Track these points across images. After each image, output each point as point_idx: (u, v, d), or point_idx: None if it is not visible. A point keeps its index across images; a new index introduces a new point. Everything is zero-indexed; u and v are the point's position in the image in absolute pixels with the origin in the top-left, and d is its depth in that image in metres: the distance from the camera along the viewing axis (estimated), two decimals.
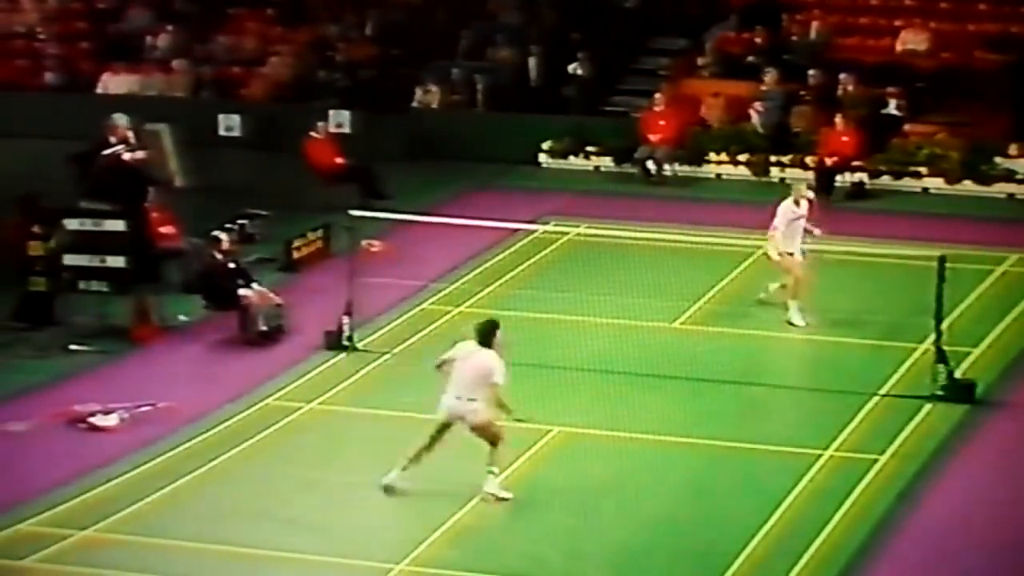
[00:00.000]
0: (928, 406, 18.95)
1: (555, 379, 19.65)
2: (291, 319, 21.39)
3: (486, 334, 16.29)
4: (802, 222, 21.75)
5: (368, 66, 32.43)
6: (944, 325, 19.51)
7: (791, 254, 21.56)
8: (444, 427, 16.43)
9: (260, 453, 17.83)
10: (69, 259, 21.15)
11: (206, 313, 21.66)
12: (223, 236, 21.92)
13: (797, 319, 21.51)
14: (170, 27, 33.90)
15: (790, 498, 16.59)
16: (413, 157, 29.89)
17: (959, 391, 19.14)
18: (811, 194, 22.34)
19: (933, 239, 23.26)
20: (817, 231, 21.95)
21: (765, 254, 21.91)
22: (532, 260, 24.23)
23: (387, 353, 20.65)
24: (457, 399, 16.28)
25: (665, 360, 20.25)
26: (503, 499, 16.39)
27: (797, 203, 21.86)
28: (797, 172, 29.05)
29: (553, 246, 24.71)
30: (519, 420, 16.40)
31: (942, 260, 19.33)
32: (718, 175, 29.79)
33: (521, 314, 21.88)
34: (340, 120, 29.29)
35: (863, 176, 28.64)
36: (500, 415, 16.28)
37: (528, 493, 16.83)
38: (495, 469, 16.42)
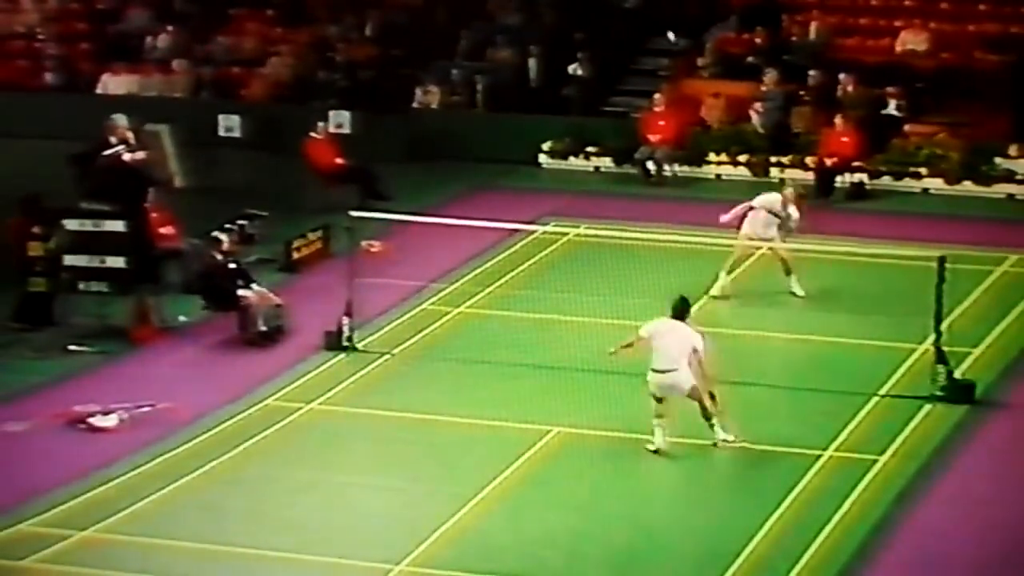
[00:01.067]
0: (928, 406, 18.96)
1: (555, 379, 19.65)
2: (291, 320, 21.39)
3: (682, 309, 17.71)
4: (775, 222, 22.41)
5: (368, 67, 32.44)
6: (944, 325, 19.51)
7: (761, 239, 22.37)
8: (661, 400, 17.57)
9: (260, 454, 17.83)
10: (69, 259, 21.16)
11: (206, 314, 21.66)
12: (223, 237, 21.93)
13: (716, 289, 22.41)
14: (170, 27, 33.92)
15: (790, 498, 16.60)
16: (413, 158, 29.89)
17: (959, 391, 19.14)
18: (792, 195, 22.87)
19: (933, 240, 23.25)
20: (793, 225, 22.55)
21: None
22: (532, 260, 24.23)
23: (387, 353, 20.65)
24: (665, 372, 17.39)
25: None
26: (737, 444, 17.54)
27: (784, 205, 22.44)
28: (797, 172, 29.08)
29: (553, 246, 24.71)
30: (713, 397, 17.66)
31: (942, 260, 19.33)
32: (718, 175, 29.79)
33: (521, 314, 21.92)
34: (340, 120, 29.31)
35: (863, 176, 28.64)
36: (706, 386, 17.54)
37: (527, 493, 16.84)
38: (715, 420, 17.58)
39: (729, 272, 22.67)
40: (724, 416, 17.74)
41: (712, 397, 17.66)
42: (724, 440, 17.64)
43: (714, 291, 22.52)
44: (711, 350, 17.74)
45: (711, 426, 17.63)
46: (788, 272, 22.57)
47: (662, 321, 17.76)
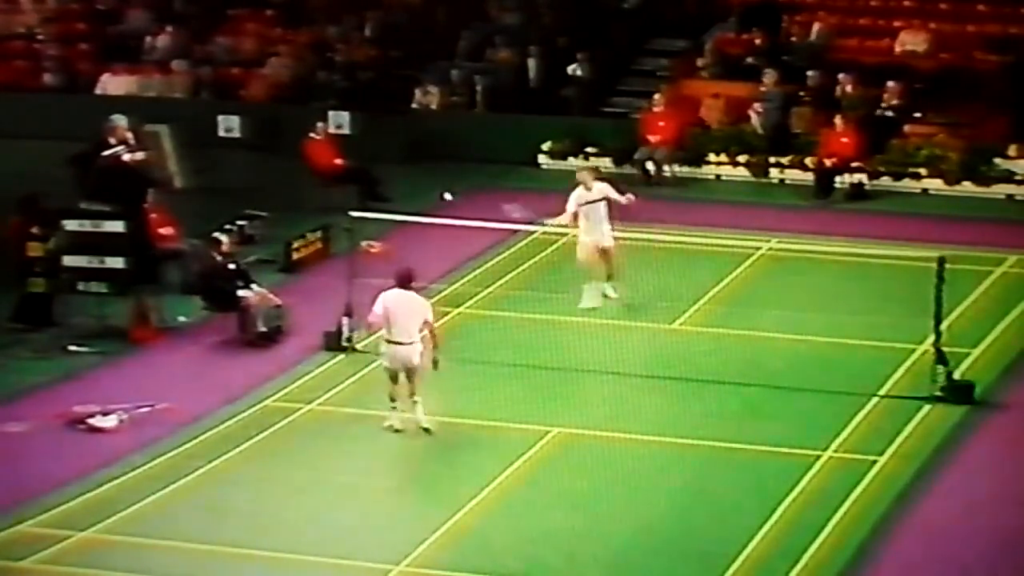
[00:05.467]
0: (927, 407, 18.96)
1: (554, 380, 19.66)
2: (290, 320, 21.39)
3: (407, 278, 18.07)
4: (600, 207, 22.05)
5: (368, 67, 32.44)
6: (943, 326, 19.51)
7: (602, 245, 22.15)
8: (396, 377, 18.01)
9: (259, 454, 17.83)
10: (68, 260, 21.15)
11: (205, 314, 21.66)
12: (223, 237, 21.94)
13: (590, 302, 22.01)
14: (169, 28, 33.91)
15: (789, 499, 16.60)
16: (412, 158, 29.88)
17: (958, 392, 19.15)
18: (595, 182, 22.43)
19: (932, 240, 23.26)
20: (625, 199, 22.36)
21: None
22: (531, 261, 24.23)
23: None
24: (400, 345, 17.77)
25: (664, 361, 20.27)
26: (428, 429, 17.92)
27: (588, 188, 22.22)
28: (796, 173, 29.11)
29: (552, 247, 24.68)
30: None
31: (941, 261, 19.33)
32: (718, 176, 29.79)
33: (520, 315, 21.91)
34: (340, 121, 29.31)
35: (862, 177, 28.63)
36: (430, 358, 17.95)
37: (527, 494, 16.85)
38: (419, 399, 18.00)
39: (609, 278, 22.18)
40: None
41: (435, 364, 17.95)
42: (425, 426, 18.01)
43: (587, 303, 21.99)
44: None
45: (414, 404, 17.96)
46: (609, 276, 22.19)
47: (393, 292, 17.97)
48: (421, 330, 17.95)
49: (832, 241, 23.87)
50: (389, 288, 18.04)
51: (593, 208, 22.11)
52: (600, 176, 22.76)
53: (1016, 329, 21.62)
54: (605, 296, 22.24)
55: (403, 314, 17.86)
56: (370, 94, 31.42)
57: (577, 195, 22.21)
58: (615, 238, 22.20)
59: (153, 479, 17.01)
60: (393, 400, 18.09)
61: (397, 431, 17.99)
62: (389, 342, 17.91)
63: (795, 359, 20.69)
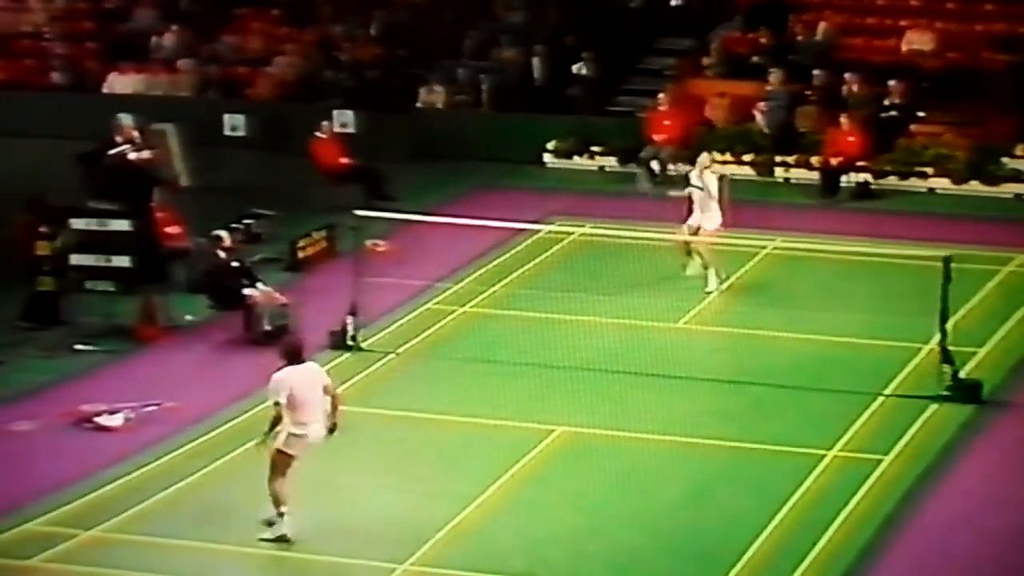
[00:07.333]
0: (934, 406, 18.95)
1: (559, 379, 19.66)
2: (296, 319, 21.39)
3: (299, 350, 15.78)
4: (704, 194, 22.97)
5: (373, 66, 32.46)
6: (949, 325, 19.50)
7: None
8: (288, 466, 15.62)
9: (264, 453, 17.80)
10: (76, 259, 21.18)
11: (211, 313, 21.69)
12: (228, 236, 21.96)
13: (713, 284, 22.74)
14: (176, 27, 33.93)
15: (794, 498, 16.60)
16: (418, 157, 29.89)
17: (965, 391, 19.14)
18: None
19: (939, 239, 23.26)
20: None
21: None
22: (537, 260, 24.24)
23: (392, 353, 20.67)
24: (313, 424, 15.58)
25: (669, 359, 20.27)
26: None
27: (700, 175, 23.12)
28: (802, 172, 29.10)
29: (558, 246, 24.71)
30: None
31: (947, 260, 19.33)
32: (723, 176, 29.70)
33: (525, 314, 21.92)
34: (345, 120, 29.32)
35: (868, 176, 28.63)
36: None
37: (532, 493, 16.86)
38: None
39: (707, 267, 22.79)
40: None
41: (331, 431, 15.72)
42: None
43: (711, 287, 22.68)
44: None
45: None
46: (705, 265, 22.77)
47: (288, 371, 15.52)
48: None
49: (838, 240, 23.85)
50: (281, 367, 15.59)
51: (699, 193, 22.93)
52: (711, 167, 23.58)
53: (1023, 328, 21.60)
54: (718, 285, 22.74)
55: (308, 390, 15.50)
56: (376, 93, 31.42)
57: (692, 176, 23.34)
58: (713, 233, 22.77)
59: (159, 478, 17.03)
60: (279, 505, 15.48)
61: (284, 541, 15.46)
62: (299, 423, 15.41)
63: (800, 358, 20.70)
